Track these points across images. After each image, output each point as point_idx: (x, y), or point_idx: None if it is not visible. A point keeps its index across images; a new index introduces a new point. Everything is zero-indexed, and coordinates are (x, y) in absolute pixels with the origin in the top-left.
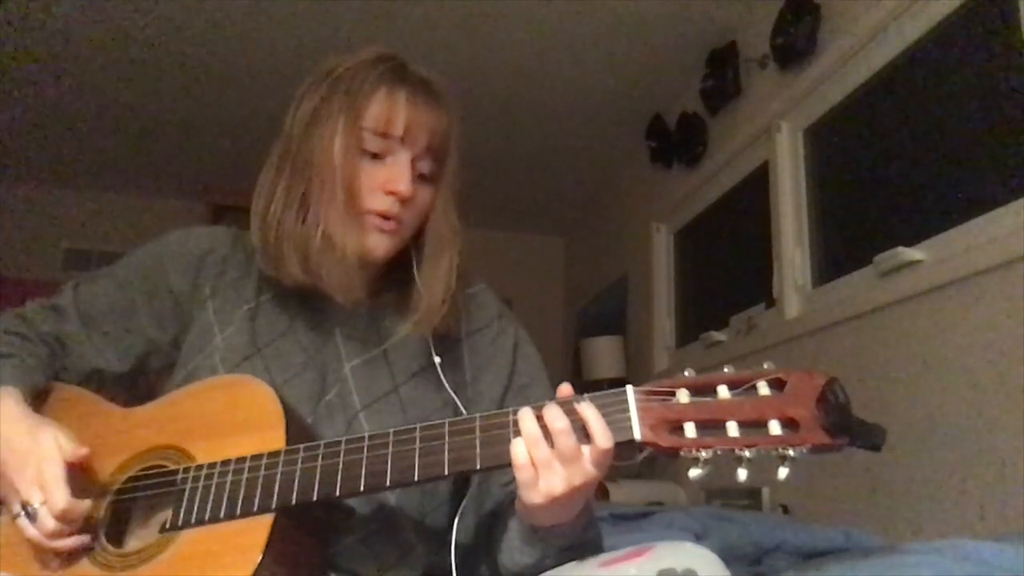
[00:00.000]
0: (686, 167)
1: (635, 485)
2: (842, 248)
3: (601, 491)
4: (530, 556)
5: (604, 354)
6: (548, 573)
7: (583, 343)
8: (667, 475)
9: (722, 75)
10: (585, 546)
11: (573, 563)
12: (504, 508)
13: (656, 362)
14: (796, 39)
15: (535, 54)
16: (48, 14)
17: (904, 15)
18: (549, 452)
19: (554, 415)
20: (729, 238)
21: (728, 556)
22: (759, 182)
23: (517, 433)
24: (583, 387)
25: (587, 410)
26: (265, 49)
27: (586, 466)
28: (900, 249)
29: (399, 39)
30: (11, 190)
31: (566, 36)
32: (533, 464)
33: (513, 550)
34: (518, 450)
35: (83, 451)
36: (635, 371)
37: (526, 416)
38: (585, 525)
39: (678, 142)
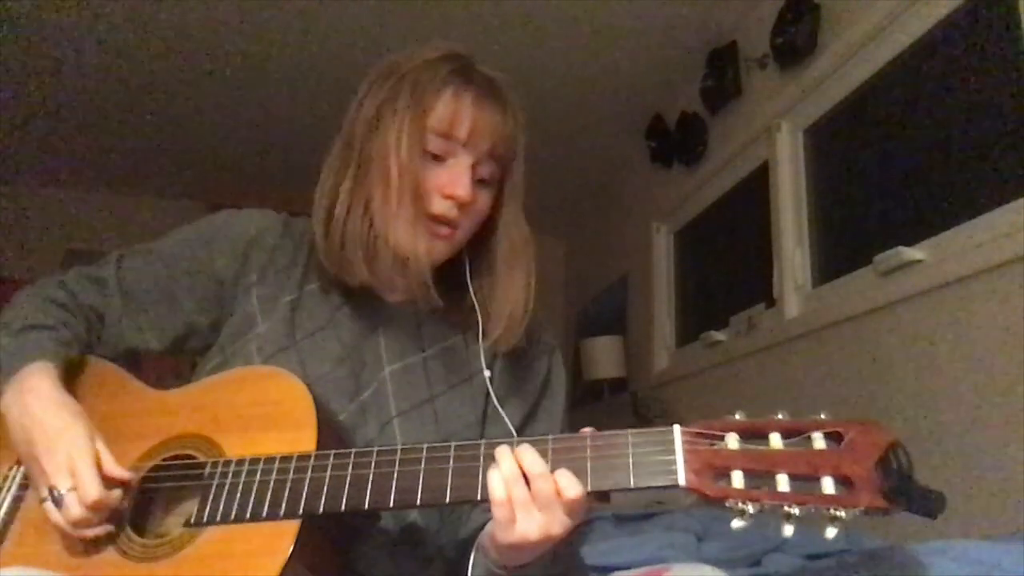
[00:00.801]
0: (686, 167)
1: None
2: (842, 248)
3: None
4: None
5: (604, 354)
6: None
7: (583, 343)
8: None
9: (722, 75)
10: None
11: None
12: (473, 538)
13: (656, 362)
14: (796, 39)
15: (535, 54)
16: (48, 14)
17: (904, 15)
18: (527, 493)
19: (530, 460)
20: (729, 238)
21: (729, 557)
22: (759, 182)
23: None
24: (583, 387)
25: (552, 457)
26: (266, 49)
27: (560, 514)
28: (900, 249)
29: (398, 40)
30: (11, 190)
31: (566, 36)
32: (510, 502)
33: None
34: (496, 485)
35: (122, 476)
36: (635, 371)
37: (503, 453)
38: (552, 560)
39: (678, 142)
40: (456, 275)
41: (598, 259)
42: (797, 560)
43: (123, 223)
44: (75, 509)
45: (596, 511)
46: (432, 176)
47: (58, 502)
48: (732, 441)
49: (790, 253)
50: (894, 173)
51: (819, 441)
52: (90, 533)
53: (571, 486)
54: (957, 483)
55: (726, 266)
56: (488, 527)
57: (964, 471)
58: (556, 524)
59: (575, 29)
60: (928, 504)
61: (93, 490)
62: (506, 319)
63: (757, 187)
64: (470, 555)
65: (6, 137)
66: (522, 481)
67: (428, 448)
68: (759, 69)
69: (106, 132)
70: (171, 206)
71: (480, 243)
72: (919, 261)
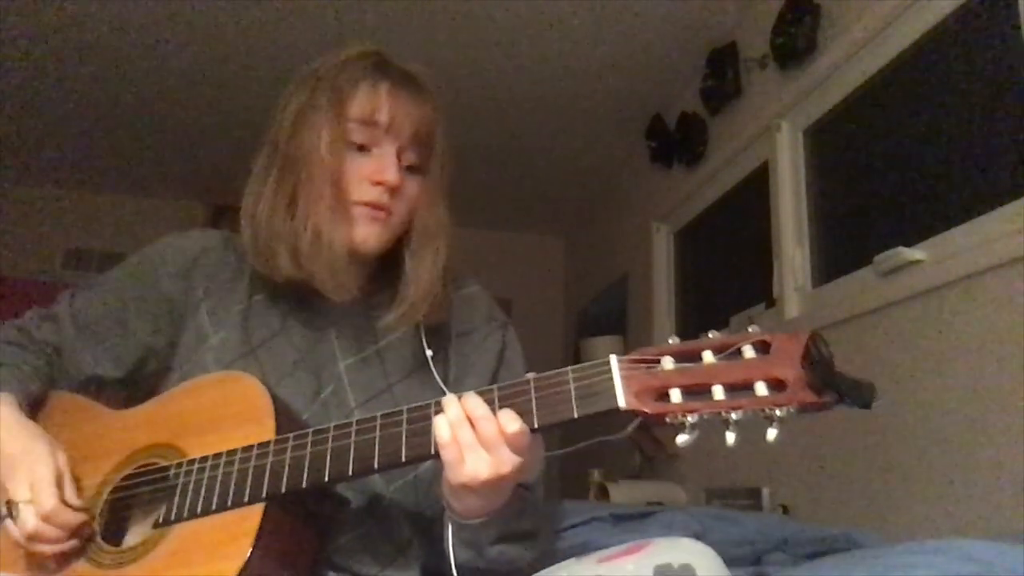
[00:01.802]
0: (686, 167)
1: (635, 485)
2: (842, 248)
3: (601, 491)
4: (464, 552)
5: (604, 354)
6: (544, 571)
7: (583, 343)
8: (667, 475)
9: (722, 75)
10: (524, 538)
11: (572, 559)
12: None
13: None
14: (796, 39)
15: (534, 54)
16: (47, 14)
17: (904, 15)
18: (472, 435)
19: (473, 403)
20: (729, 238)
21: (728, 556)
22: (759, 182)
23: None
24: None
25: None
26: (265, 49)
27: (506, 452)
28: (900, 249)
29: (398, 39)
30: (11, 190)
31: (566, 36)
32: (456, 442)
33: (451, 546)
34: (441, 427)
35: (76, 503)
36: None
37: (450, 400)
38: (517, 513)
39: (678, 142)
40: (397, 267)
41: (598, 259)
42: (797, 559)
43: (123, 223)
44: (31, 522)
45: (595, 510)
46: (359, 166)
47: (15, 517)
48: (667, 363)
49: (790, 253)
50: (894, 173)
51: (749, 352)
52: (48, 548)
53: (511, 421)
54: (957, 483)
55: (726, 266)
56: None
57: (964, 471)
58: (505, 463)
59: (575, 29)
60: (860, 394)
61: (49, 501)
62: (410, 298)
63: (757, 187)
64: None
65: (6, 137)
66: (467, 424)
67: (382, 415)
68: (759, 69)
69: (106, 132)
70: (171, 206)
71: (407, 231)
72: (919, 261)
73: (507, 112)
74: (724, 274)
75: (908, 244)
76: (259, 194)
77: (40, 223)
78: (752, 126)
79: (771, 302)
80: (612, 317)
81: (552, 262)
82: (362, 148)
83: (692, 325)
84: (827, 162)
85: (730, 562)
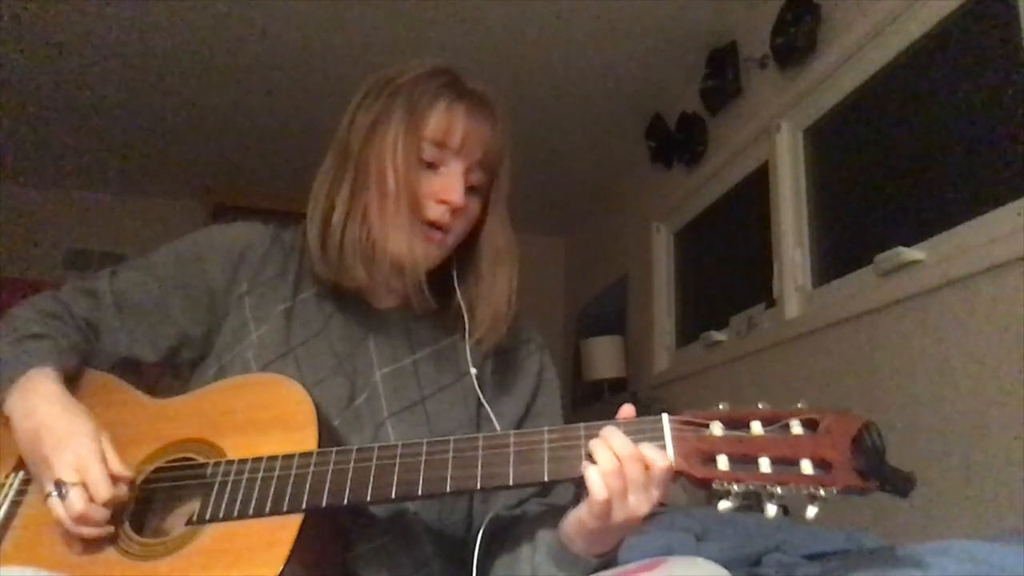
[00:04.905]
0: (686, 167)
1: None
2: (842, 248)
3: None
4: None
5: (604, 354)
6: None
7: (583, 343)
8: None
9: (722, 75)
10: (607, 566)
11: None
12: (511, 529)
13: (656, 362)
14: (796, 39)
15: (535, 54)
16: (48, 13)
17: (904, 15)
18: (623, 482)
19: (620, 442)
20: (729, 238)
21: (728, 557)
22: (759, 182)
23: (587, 457)
24: (584, 388)
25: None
26: (266, 49)
27: (652, 492)
28: (900, 249)
29: (398, 39)
30: (11, 190)
31: (566, 36)
32: (609, 502)
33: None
34: (596, 482)
35: (126, 475)
36: (635, 371)
37: (600, 447)
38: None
39: (678, 142)
40: (444, 279)
41: (598, 259)
42: (797, 560)
43: (123, 223)
44: (79, 504)
45: None
46: (426, 183)
47: (63, 497)
48: (716, 428)
49: (790, 253)
50: (894, 173)
51: (796, 428)
52: (91, 531)
53: (659, 458)
54: (957, 483)
55: (726, 266)
56: (572, 516)
57: (964, 471)
58: (644, 503)
59: (575, 29)
60: (900, 484)
61: (102, 486)
62: (490, 319)
63: (757, 187)
64: (515, 543)
65: (6, 137)
66: (619, 474)
67: (428, 443)
68: (759, 69)
69: (107, 132)
70: (172, 206)
71: (466, 248)
72: (919, 261)
73: (507, 112)
74: (724, 274)
75: (908, 244)
76: (330, 202)
77: (40, 223)
78: (752, 126)
79: (771, 302)
80: (612, 317)
81: (552, 262)
82: (430, 166)
83: (692, 325)
84: (827, 162)
85: (730, 563)
